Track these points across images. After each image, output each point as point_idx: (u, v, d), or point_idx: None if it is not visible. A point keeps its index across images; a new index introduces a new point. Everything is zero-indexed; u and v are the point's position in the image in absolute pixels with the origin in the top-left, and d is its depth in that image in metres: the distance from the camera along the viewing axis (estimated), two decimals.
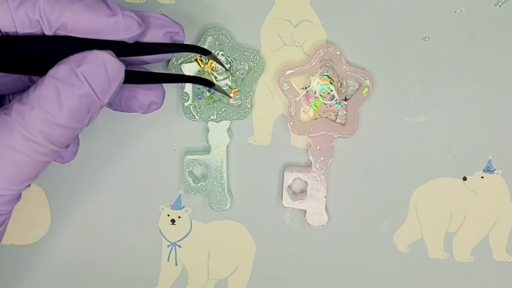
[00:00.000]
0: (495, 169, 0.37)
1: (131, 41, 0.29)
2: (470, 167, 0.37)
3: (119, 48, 0.29)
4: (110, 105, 0.32)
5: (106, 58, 0.27)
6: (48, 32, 0.28)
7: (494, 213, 0.37)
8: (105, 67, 0.27)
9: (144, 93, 0.31)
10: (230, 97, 0.36)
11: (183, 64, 0.36)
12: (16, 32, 0.28)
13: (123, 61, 0.28)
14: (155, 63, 0.34)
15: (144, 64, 0.32)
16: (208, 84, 0.32)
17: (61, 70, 0.27)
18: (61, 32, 0.28)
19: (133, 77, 0.29)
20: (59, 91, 0.26)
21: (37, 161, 0.27)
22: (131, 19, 0.28)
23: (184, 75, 0.32)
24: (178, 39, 0.31)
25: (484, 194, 0.37)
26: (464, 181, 0.37)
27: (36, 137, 0.26)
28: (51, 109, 0.26)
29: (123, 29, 0.28)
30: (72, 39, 0.28)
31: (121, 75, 0.28)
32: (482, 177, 0.37)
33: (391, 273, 0.38)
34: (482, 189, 0.37)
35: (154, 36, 0.30)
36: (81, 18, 0.28)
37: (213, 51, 0.36)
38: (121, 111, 0.32)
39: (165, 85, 0.37)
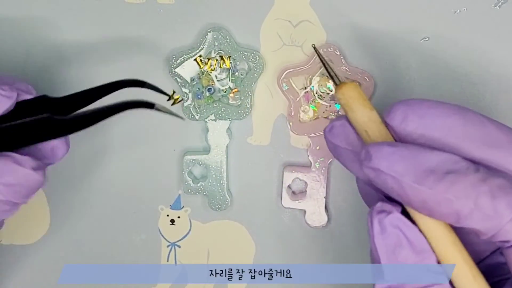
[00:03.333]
0: None
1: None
2: None
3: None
4: None
5: (26, 173, 0.29)
6: None
7: None
8: (26, 181, 0.29)
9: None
10: (177, 116, 0.33)
11: (183, 64, 0.36)
12: None
13: None
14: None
15: None
16: (147, 105, 0.31)
17: None
18: None
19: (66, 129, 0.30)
20: None
21: None
22: None
23: (116, 105, 0.31)
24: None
25: None
26: None
27: None
28: None
29: None
30: None
31: (40, 184, 0.30)
32: None
33: None
34: None
35: None
36: None
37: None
38: None
39: (164, 83, 0.37)
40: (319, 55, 0.31)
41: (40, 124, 0.29)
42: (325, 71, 0.36)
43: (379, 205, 0.27)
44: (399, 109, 0.27)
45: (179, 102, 0.33)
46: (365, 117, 0.27)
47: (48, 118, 0.29)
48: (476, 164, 0.26)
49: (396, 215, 0.27)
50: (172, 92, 0.32)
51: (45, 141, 0.30)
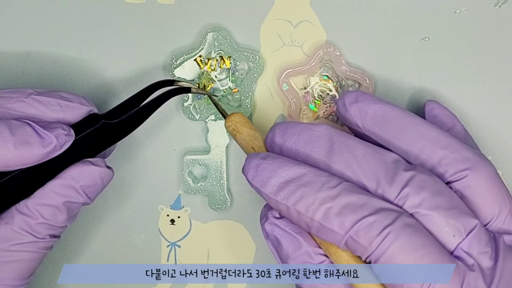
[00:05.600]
0: None
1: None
2: None
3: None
4: None
5: (103, 171, 0.31)
6: None
7: None
8: (101, 179, 0.31)
9: None
10: (214, 95, 0.36)
11: (183, 64, 0.36)
12: None
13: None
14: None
15: None
16: (184, 90, 0.34)
17: (58, 185, 0.30)
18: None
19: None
20: (59, 204, 0.30)
21: (43, 254, 0.31)
22: (63, 137, 0.30)
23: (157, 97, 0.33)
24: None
25: None
26: None
27: (44, 238, 0.30)
28: (55, 218, 0.30)
29: (59, 148, 0.30)
30: None
31: (112, 177, 0.32)
32: None
33: None
34: None
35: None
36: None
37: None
38: None
39: None
40: (210, 96, 0.35)
41: (99, 132, 0.32)
42: (325, 71, 0.36)
43: (262, 210, 0.30)
44: (280, 125, 0.30)
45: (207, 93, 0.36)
46: (251, 136, 0.32)
47: (104, 125, 0.32)
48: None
49: (270, 220, 0.29)
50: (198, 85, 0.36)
51: (107, 147, 0.33)
